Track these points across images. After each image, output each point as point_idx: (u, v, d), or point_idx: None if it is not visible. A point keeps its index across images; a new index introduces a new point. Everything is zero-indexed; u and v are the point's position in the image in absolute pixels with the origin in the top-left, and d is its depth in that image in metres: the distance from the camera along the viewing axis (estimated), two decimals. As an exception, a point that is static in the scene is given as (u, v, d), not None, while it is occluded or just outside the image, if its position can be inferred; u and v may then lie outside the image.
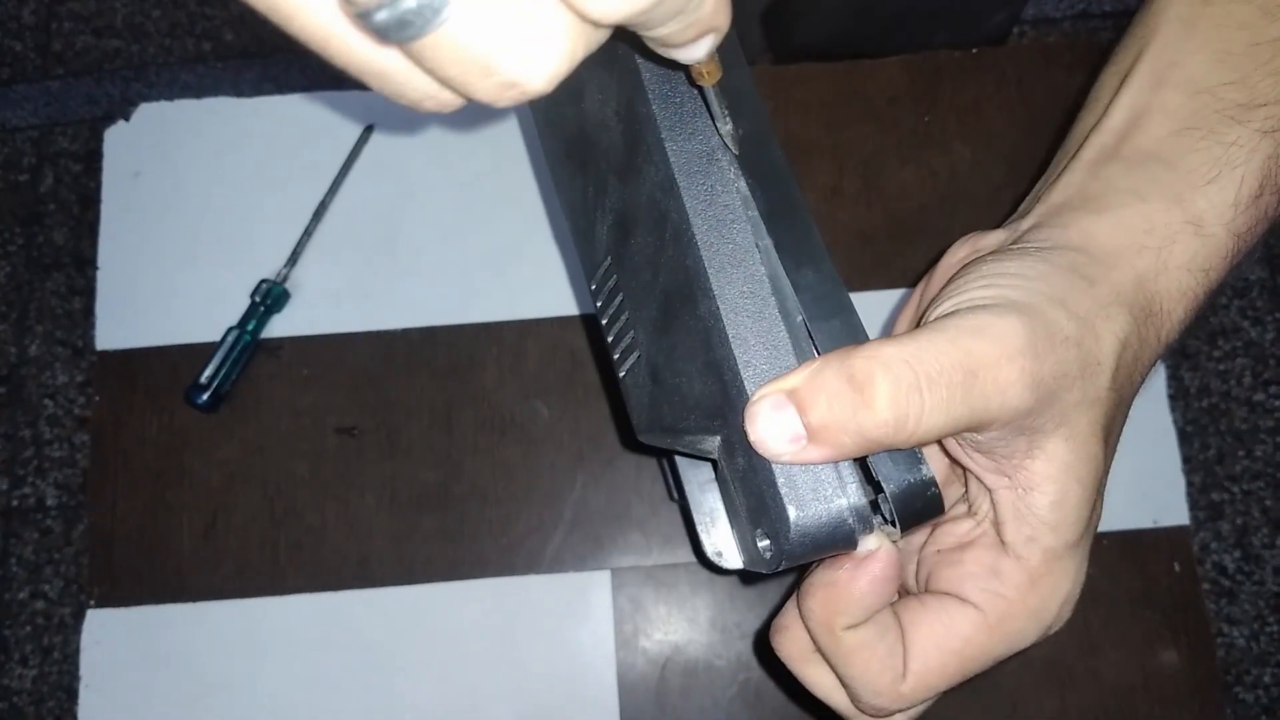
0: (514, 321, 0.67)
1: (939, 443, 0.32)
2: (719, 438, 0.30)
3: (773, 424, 0.27)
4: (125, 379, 0.66)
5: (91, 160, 1.52)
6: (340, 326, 0.67)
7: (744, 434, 0.28)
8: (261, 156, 0.70)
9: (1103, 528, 0.62)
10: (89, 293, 1.44)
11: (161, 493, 0.65)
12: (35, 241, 1.49)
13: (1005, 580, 0.31)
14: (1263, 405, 1.39)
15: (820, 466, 0.28)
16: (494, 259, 0.68)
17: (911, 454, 0.29)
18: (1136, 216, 0.32)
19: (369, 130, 0.69)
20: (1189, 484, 1.36)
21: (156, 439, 0.65)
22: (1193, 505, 1.36)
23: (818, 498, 0.28)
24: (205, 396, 0.64)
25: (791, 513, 0.27)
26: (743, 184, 0.31)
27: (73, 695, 1.35)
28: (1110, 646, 0.62)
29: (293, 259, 0.67)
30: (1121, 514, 0.63)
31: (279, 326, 0.66)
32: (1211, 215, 0.32)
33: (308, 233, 0.67)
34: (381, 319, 0.67)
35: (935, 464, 0.36)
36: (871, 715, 0.32)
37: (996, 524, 0.31)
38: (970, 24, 0.71)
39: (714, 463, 0.31)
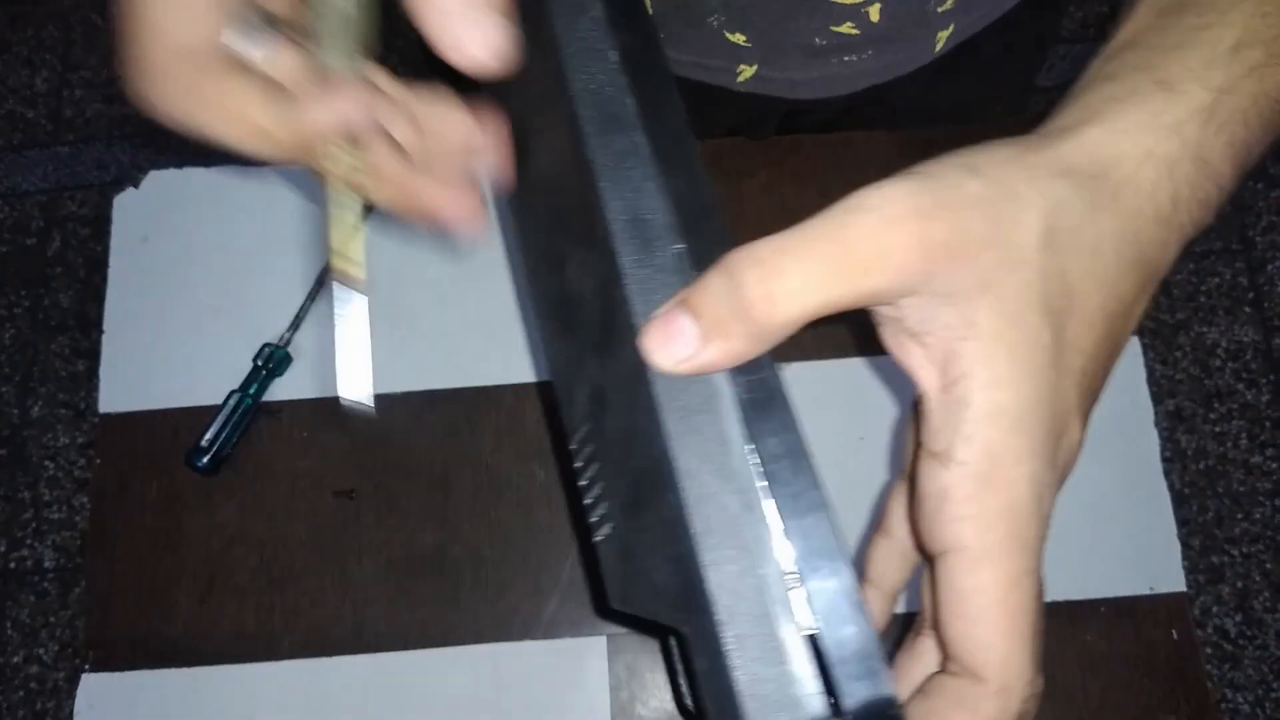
0: (511, 385, 0.67)
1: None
2: (686, 630, 0.29)
3: (666, 336, 0.27)
4: (127, 442, 0.67)
5: (99, 225, 1.54)
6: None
7: (711, 635, 0.27)
8: (267, 223, 0.71)
9: (1099, 594, 0.63)
10: (92, 355, 1.45)
11: (160, 555, 0.65)
12: (41, 304, 1.50)
13: (954, 497, 0.27)
14: (1260, 468, 1.39)
15: (781, 678, 0.27)
16: (491, 324, 0.69)
17: (877, 671, 0.27)
18: (1099, 94, 0.30)
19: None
20: (1188, 547, 1.36)
21: (156, 502, 0.66)
22: (1192, 569, 1.36)
23: (779, 708, 0.27)
24: (206, 459, 0.64)
25: None
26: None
27: (63, 761, 1.33)
28: (1111, 715, 0.61)
29: (295, 323, 0.68)
30: (1117, 580, 0.64)
31: (280, 390, 0.67)
32: (1181, 73, 0.29)
33: (310, 297, 0.68)
34: (381, 382, 0.68)
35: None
36: None
37: (930, 440, 0.28)
38: (970, 119, 0.72)
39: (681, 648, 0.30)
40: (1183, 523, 1.37)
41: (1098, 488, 0.65)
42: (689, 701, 0.32)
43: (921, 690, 0.29)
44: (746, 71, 0.65)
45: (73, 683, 1.34)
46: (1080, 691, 0.62)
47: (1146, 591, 0.63)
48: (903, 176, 0.27)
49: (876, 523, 0.36)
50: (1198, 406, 1.42)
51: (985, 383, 0.26)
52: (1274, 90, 0.30)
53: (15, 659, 1.37)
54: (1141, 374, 0.67)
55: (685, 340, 0.27)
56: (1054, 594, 0.63)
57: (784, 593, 0.27)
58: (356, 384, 0.34)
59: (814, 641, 0.27)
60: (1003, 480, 0.27)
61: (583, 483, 0.33)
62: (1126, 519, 0.65)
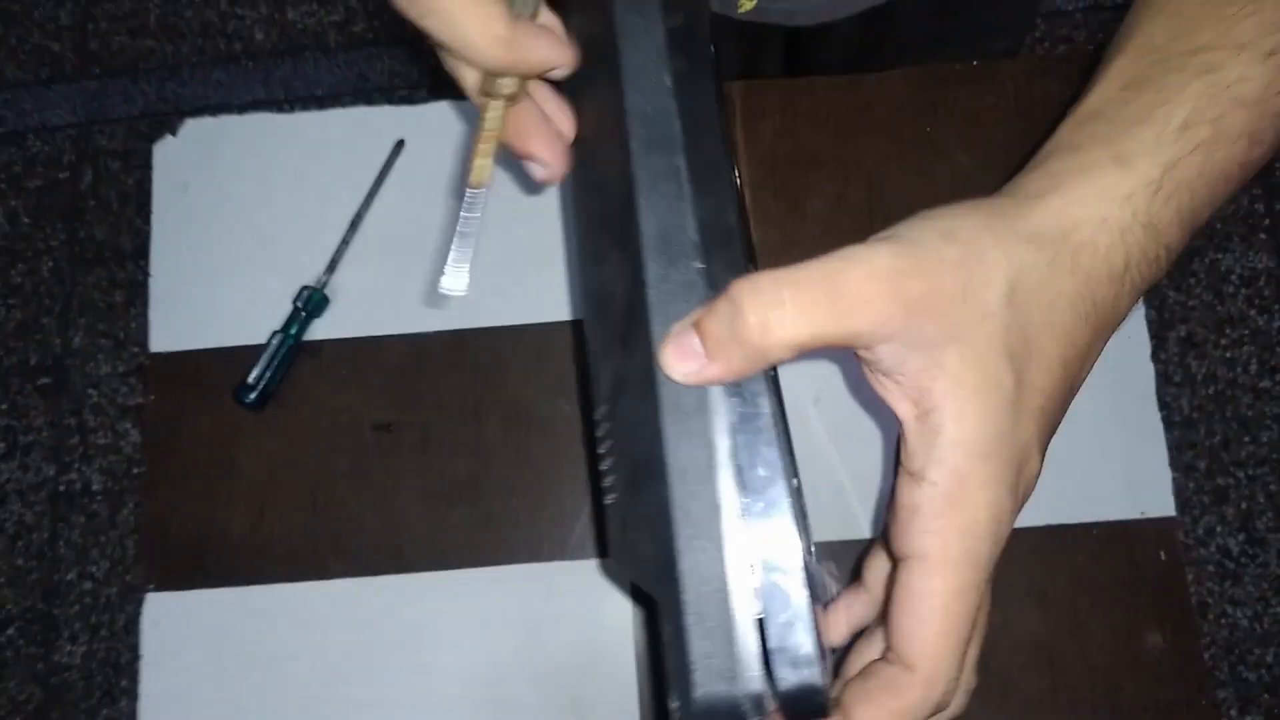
0: (537, 325, 0.71)
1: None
2: (659, 600, 0.33)
3: (679, 352, 0.32)
4: (177, 379, 0.71)
5: (130, 158, 1.57)
6: (376, 330, 0.71)
7: (676, 607, 0.32)
8: (302, 170, 0.74)
9: (1092, 518, 0.67)
10: (129, 286, 1.50)
11: (213, 485, 0.70)
12: (77, 237, 1.54)
13: (924, 512, 0.31)
14: (1269, 392, 1.42)
15: (728, 654, 0.31)
16: (518, 267, 0.72)
17: (810, 662, 0.32)
18: (1065, 162, 0.33)
19: (400, 145, 0.73)
20: (1194, 469, 1.39)
21: (208, 435, 0.70)
22: (1198, 489, 1.40)
23: (722, 679, 0.31)
24: (253, 395, 0.68)
25: (697, 689, 0.31)
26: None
27: (119, 670, 1.42)
28: (1099, 630, 0.66)
29: (331, 266, 0.71)
30: (1110, 505, 0.67)
31: (319, 330, 0.71)
32: (1135, 149, 0.33)
33: (345, 241, 0.72)
34: (414, 323, 0.72)
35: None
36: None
37: (907, 461, 0.32)
38: (976, 49, 0.74)
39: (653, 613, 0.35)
40: (1190, 445, 1.41)
41: (1094, 417, 0.68)
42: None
43: (862, 672, 0.34)
44: (747, 4, 0.67)
45: (124, 598, 1.43)
46: (1071, 608, 0.66)
47: (1137, 516, 0.67)
48: (890, 239, 0.31)
49: (854, 574, 0.42)
50: (1209, 332, 1.44)
51: (954, 415, 0.30)
52: (1218, 164, 0.33)
53: (70, 576, 1.45)
54: (1140, 311, 0.70)
55: (694, 357, 0.32)
56: (1049, 518, 0.67)
57: (742, 584, 0.32)
58: (457, 279, 0.40)
59: (761, 627, 0.32)
60: (967, 502, 0.31)
61: (600, 451, 0.37)
62: (1121, 447, 0.68)
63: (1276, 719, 1.34)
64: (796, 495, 0.33)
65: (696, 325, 0.32)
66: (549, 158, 0.40)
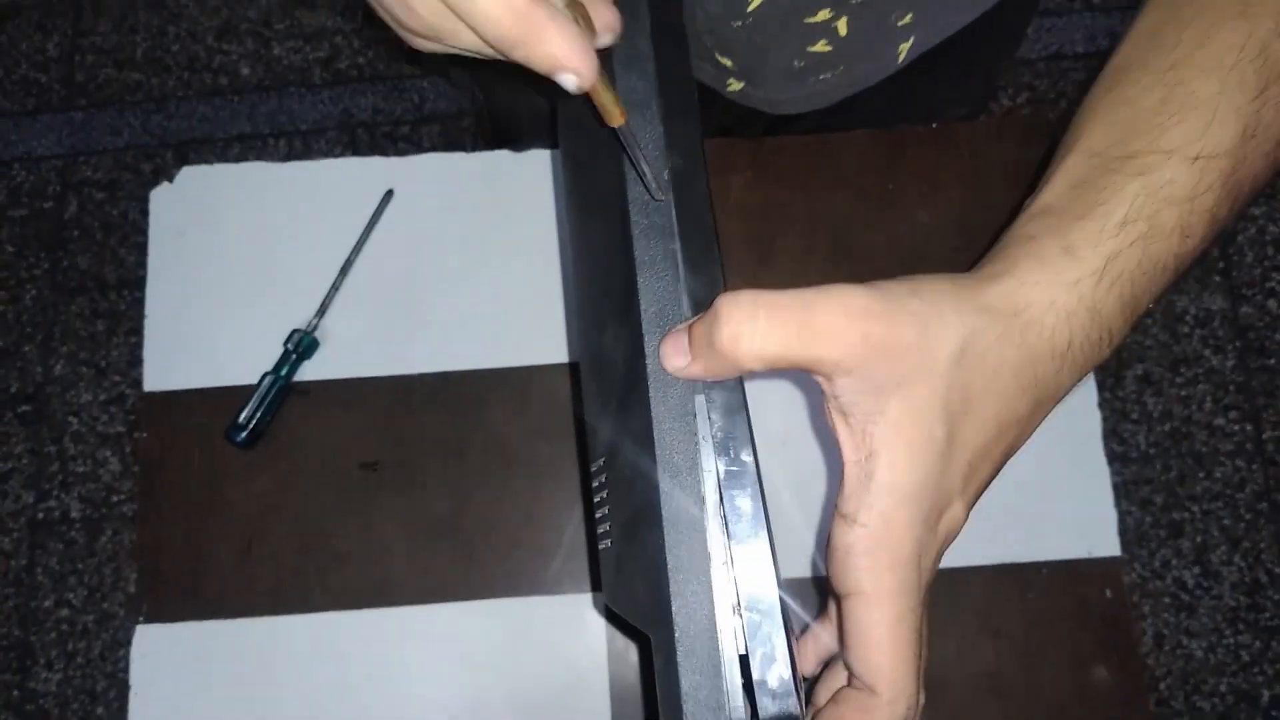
0: (519, 368, 0.74)
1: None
2: (652, 638, 0.37)
3: (673, 349, 0.36)
4: (170, 418, 0.74)
5: (113, 189, 1.60)
6: (364, 371, 0.75)
7: (669, 645, 0.35)
8: (294, 217, 0.77)
9: (1042, 557, 0.71)
10: (112, 315, 1.52)
11: (203, 520, 0.72)
12: (60, 266, 1.56)
13: (855, 551, 0.35)
14: (1222, 429, 1.47)
15: (716, 688, 0.35)
16: (501, 311, 0.75)
17: (789, 694, 0.35)
18: (1021, 249, 0.38)
19: (389, 195, 0.77)
20: (1151, 504, 1.44)
21: (199, 473, 0.73)
22: (1155, 524, 1.45)
23: (710, 710, 0.35)
24: (243, 435, 0.71)
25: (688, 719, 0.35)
26: (709, 425, 0.38)
27: (95, 698, 1.42)
28: (1047, 664, 0.70)
29: (322, 310, 0.74)
30: (1059, 545, 0.71)
31: (309, 371, 0.74)
32: (1081, 241, 0.36)
33: (335, 287, 0.75)
34: (400, 364, 0.75)
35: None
36: None
37: (842, 504, 0.36)
38: (936, 116, 0.79)
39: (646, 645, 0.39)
40: (1146, 481, 1.45)
41: (1044, 462, 0.72)
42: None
43: (833, 699, 0.38)
44: (735, 85, 0.71)
45: (101, 625, 1.44)
46: (1022, 643, 0.70)
47: (1085, 555, 0.71)
48: (866, 286, 0.35)
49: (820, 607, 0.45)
50: (1165, 371, 1.49)
51: (887, 463, 0.34)
52: (1155, 256, 0.37)
53: (46, 603, 1.46)
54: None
55: (682, 355, 0.36)
56: (1002, 557, 0.71)
57: (728, 624, 0.36)
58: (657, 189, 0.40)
59: (745, 663, 0.36)
60: (893, 541, 0.34)
61: (596, 500, 0.41)
62: (1069, 490, 0.72)
63: (1230, 747, 1.38)
64: (771, 540, 0.37)
65: (687, 329, 0.36)
66: (581, 67, 0.36)
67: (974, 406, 0.35)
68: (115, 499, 1.49)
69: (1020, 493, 0.71)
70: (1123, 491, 1.44)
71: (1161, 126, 0.38)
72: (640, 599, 0.38)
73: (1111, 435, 1.45)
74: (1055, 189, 0.40)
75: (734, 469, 0.37)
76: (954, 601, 0.70)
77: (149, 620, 0.71)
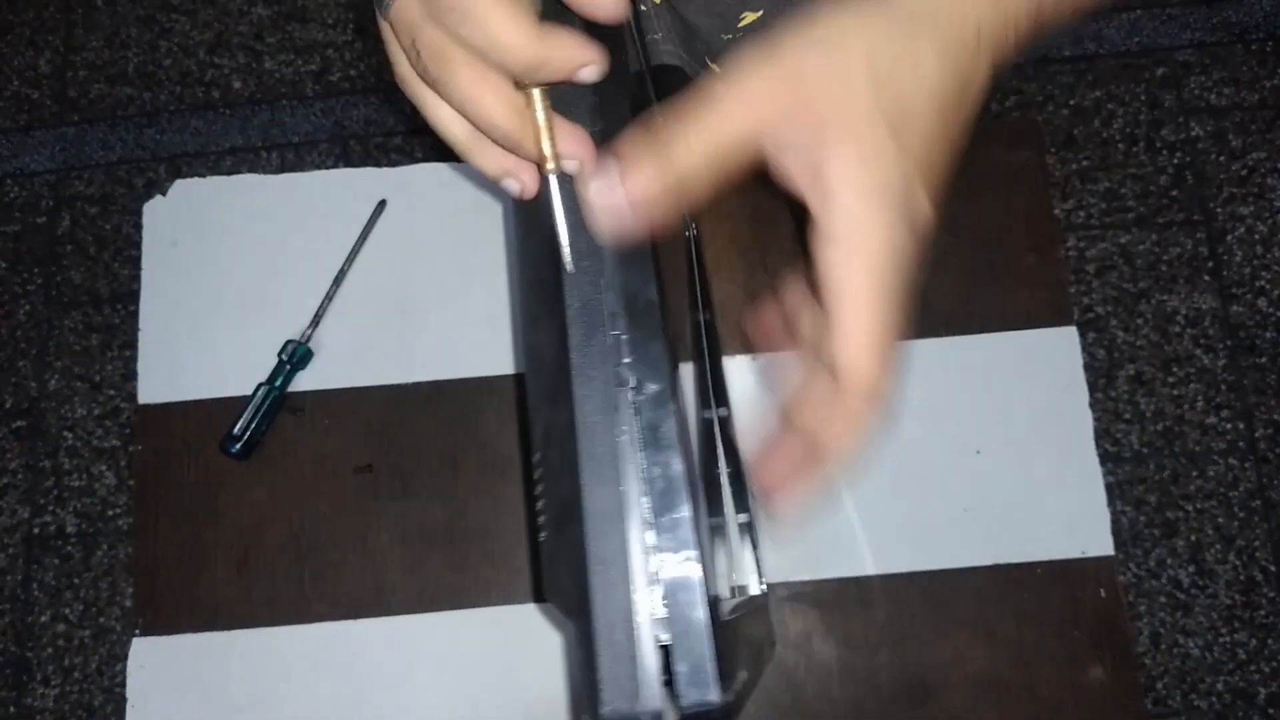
0: (510, 375, 0.75)
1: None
2: (576, 626, 0.38)
3: (601, 175, 0.36)
4: (165, 430, 0.74)
5: (106, 203, 1.60)
6: (357, 381, 0.75)
7: (588, 635, 0.36)
8: (287, 228, 0.78)
9: (1036, 557, 0.71)
10: (106, 330, 1.52)
11: (199, 532, 0.72)
12: (53, 281, 1.56)
13: (833, 258, 0.35)
14: (1215, 428, 1.48)
15: (631, 676, 0.36)
16: (493, 320, 0.76)
17: (708, 679, 0.36)
18: None
19: (382, 205, 0.77)
20: (1144, 503, 1.45)
21: (194, 484, 0.73)
22: (1149, 523, 1.45)
23: (625, 698, 0.36)
24: (238, 446, 0.71)
25: (604, 707, 0.36)
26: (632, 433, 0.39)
27: (91, 713, 1.42)
28: (1042, 664, 0.70)
29: (315, 321, 0.75)
30: (1053, 545, 0.71)
31: (303, 382, 0.74)
32: None
33: (329, 297, 0.75)
34: (394, 374, 0.75)
35: None
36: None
37: (814, 235, 0.36)
38: None
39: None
40: (1140, 480, 1.46)
41: (1037, 463, 0.72)
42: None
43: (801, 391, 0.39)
44: None
45: (98, 640, 1.43)
46: (1017, 643, 0.70)
47: (1078, 555, 0.72)
48: (760, 60, 0.35)
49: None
50: (1157, 371, 1.49)
51: (836, 169, 0.35)
52: None
53: (43, 618, 1.46)
54: (1079, 363, 0.74)
55: (610, 176, 0.36)
56: (997, 557, 0.71)
57: (648, 613, 0.37)
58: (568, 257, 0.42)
59: (666, 652, 0.36)
60: (865, 241, 0.35)
61: (536, 492, 0.42)
62: (1062, 490, 0.73)
63: (1228, 746, 1.38)
64: (709, 532, 0.37)
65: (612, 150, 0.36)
66: (525, 177, 0.41)
67: (910, 102, 0.35)
68: (111, 513, 1.49)
69: (1014, 494, 0.72)
70: (1116, 491, 1.45)
71: None
72: (568, 590, 0.39)
73: (1104, 435, 1.45)
74: None
75: (659, 460, 0.38)
76: (948, 602, 0.70)
77: (145, 633, 0.71)
